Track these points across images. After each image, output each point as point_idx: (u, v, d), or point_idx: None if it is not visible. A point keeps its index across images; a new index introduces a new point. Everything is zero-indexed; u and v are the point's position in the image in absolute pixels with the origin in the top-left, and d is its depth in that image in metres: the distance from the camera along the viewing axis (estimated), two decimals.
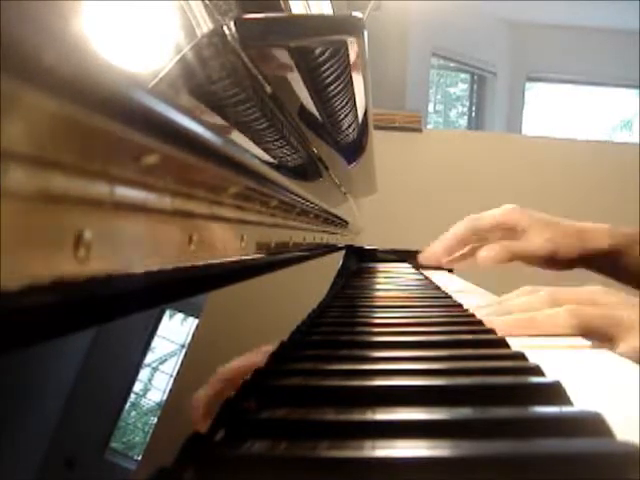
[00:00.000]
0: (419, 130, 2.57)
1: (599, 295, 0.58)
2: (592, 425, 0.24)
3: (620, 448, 0.22)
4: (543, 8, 4.32)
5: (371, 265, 1.34)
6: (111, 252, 0.16)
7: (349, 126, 0.66)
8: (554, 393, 0.29)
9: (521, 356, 0.38)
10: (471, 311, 0.59)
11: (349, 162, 0.85)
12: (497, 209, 0.81)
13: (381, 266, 1.32)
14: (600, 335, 0.54)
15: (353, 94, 0.55)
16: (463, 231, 0.79)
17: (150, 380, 0.21)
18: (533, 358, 0.37)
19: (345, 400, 0.30)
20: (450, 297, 0.74)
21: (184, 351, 0.23)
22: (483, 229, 0.78)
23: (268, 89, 0.37)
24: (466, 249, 0.80)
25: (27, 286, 0.12)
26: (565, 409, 0.28)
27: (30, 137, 0.11)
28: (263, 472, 0.22)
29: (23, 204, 0.12)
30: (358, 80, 0.53)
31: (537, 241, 0.72)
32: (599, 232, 0.76)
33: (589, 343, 0.50)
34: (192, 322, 0.25)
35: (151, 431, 0.21)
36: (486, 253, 0.72)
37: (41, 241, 0.13)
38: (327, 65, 0.43)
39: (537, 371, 0.34)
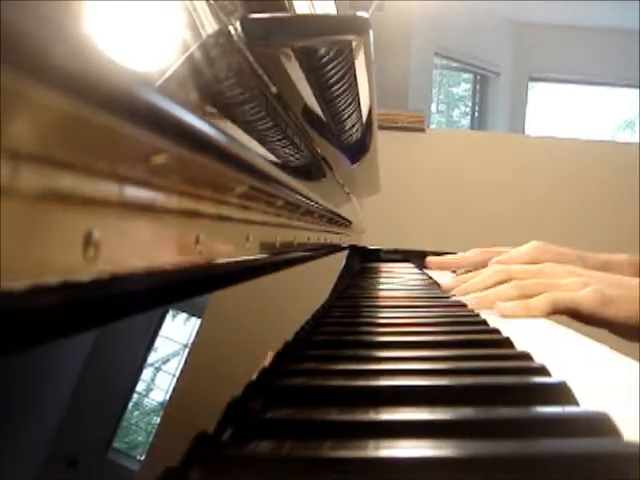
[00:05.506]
0: (422, 130, 2.56)
1: (547, 269, 0.68)
2: (598, 425, 0.24)
3: (626, 448, 0.22)
4: (546, 8, 4.31)
5: (374, 265, 1.34)
6: (119, 252, 0.16)
7: (353, 126, 0.66)
8: (560, 393, 0.29)
9: (526, 356, 0.38)
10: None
11: (353, 162, 0.84)
12: (524, 248, 0.75)
13: (384, 266, 1.32)
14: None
15: (357, 94, 0.55)
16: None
17: (153, 380, 0.21)
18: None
19: (349, 400, 0.30)
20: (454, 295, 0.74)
21: (187, 351, 0.23)
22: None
23: (273, 89, 0.36)
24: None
25: (35, 286, 0.12)
26: (571, 409, 0.28)
27: (38, 136, 0.11)
28: (268, 472, 0.22)
29: (32, 203, 0.12)
30: (363, 80, 0.53)
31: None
32: (621, 263, 0.73)
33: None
34: (195, 322, 0.25)
35: (154, 431, 0.21)
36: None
37: (50, 240, 0.13)
38: (332, 65, 0.43)
39: (542, 371, 0.33)
